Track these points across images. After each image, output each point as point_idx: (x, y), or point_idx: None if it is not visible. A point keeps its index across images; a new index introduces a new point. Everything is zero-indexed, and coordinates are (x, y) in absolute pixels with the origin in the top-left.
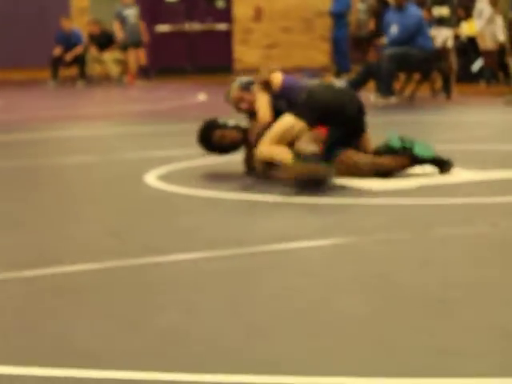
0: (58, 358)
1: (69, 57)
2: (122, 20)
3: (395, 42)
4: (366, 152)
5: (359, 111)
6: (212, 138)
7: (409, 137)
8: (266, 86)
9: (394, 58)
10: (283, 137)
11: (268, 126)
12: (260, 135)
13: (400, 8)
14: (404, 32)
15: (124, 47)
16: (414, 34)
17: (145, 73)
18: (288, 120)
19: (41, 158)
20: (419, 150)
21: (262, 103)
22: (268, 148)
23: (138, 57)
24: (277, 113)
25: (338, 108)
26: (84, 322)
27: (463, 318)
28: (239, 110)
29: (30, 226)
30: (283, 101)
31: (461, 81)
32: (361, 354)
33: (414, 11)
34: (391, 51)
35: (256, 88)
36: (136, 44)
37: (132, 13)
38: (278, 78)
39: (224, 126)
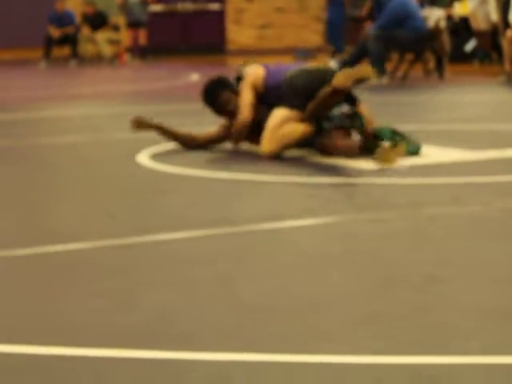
0: (51, 336)
1: (56, 33)
2: None
3: (381, 26)
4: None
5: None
6: (219, 98)
7: (401, 133)
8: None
9: (381, 39)
10: (289, 131)
11: (247, 123)
12: (240, 132)
13: None
14: (387, 17)
15: (116, 28)
16: (398, 20)
17: (142, 52)
18: (280, 113)
19: (32, 137)
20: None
21: (244, 100)
22: (275, 138)
23: (137, 36)
24: (269, 107)
25: (320, 87)
26: (76, 300)
27: (453, 296)
28: (221, 112)
29: (22, 205)
30: (272, 96)
31: (454, 61)
32: (351, 331)
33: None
34: (377, 32)
35: (242, 85)
36: (135, 23)
37: None
38: (260, 76)
39: (234, 91)
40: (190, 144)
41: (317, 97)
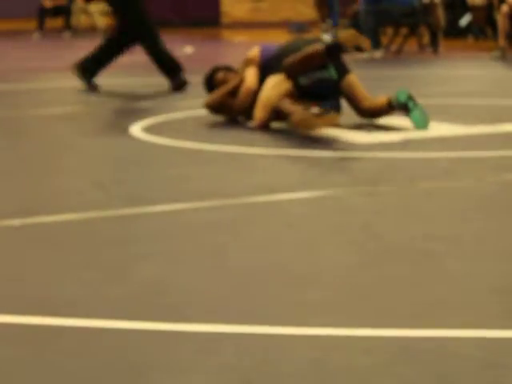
0: (41, 307)
1: (49, 4)
2: None
3: (368, 0)
4: (356, 95)
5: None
6: (214, 78)
7: (416, 101)
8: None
9: (372, 13)
10: (274, 95)
11: (252, 91)
12: (243, 100)
13: None
14: None
15: None
16: None
17: None
18: (269, 82)
19: (25, 108)
20: (414, 118)
21: (249, 71)
22: (265, 106)
23: None
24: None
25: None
26: (67, 272)
27: (447, 271)
28: (218, 110)
29: (14, 175)
30: (266, 70)
31: (448, 36)
32: (345, 304)
33: None
34: (368, 7)
35: (242, 65)
36: None
37: None
38: (256, 54)
39: (228, 69)
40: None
41: (304, 50)
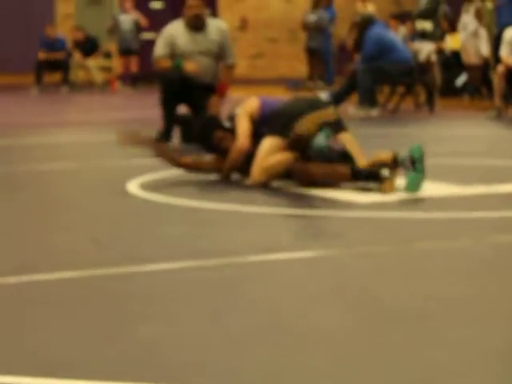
0: (35, 368)
1: (43, 56)
2: (116, 25)
3: (364, 59)
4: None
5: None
6: (212, 136)
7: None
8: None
9: (369, 72)
10: (272, 160)
11: (245, 151)
12: (235, 159)
13: (362, 29)
14: (366, 50)
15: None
16: (379, 51)
17: (133, 80)
18: (268, 142)
19: (22, 164)
20: (412, 179)
21: (242, 128)
22: (264, 167)
23: (129, 64)
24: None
25: (302, 113)
26: (62, 332)
27: (447, 334)
28: (215, 150)
29: (9, 232)
30: (265, 126)
31: (444, 95)
32: (342, 368)
33: (373, 34)
34: (365, 66)
35: (237, 116)
36: (127, 51)
37: (127, 19)
38: (255, 107)
39: (227, 129)
40: (178, 164)
41: (331, 169)
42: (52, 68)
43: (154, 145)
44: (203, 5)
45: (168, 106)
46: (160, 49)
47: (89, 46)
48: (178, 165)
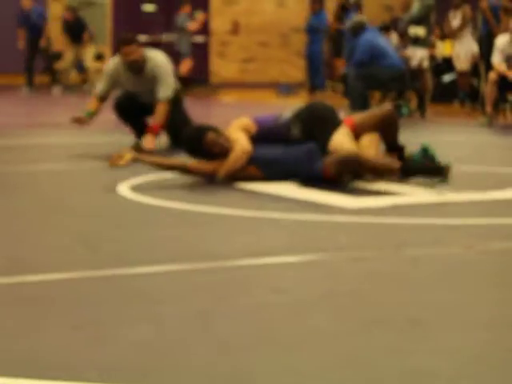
0: (26, 370)
1: (22, 36)
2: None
3: (355, 65)
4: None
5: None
6: (203, 141)
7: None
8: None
9: (360, 78)
10: None
11: (247, 154)
12: (236, 162)
13: (354, 35)
14: (356, 56)
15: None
16: (369, 57)
17: None
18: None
19: (13, 165)
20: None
21: (238, 135)
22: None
23: None
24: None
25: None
26: (52, 333)
27: (434, 340)
28: (208, 155)
29: (0, 233)
30: (265, 137)
31: (436, 101)
32: (329, 372)
33: (364, 40)
34: (356, 71)
35: (231, 130)
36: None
37: None
38: (246, 123)
39: (219, 134)
40: (181, 171)
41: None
42: (36, 53)
43: (142, 158)
44: (138, 48)
45: (129, 122)
46: (100, 85)
47: (77, 29)
48: (166, 168)
